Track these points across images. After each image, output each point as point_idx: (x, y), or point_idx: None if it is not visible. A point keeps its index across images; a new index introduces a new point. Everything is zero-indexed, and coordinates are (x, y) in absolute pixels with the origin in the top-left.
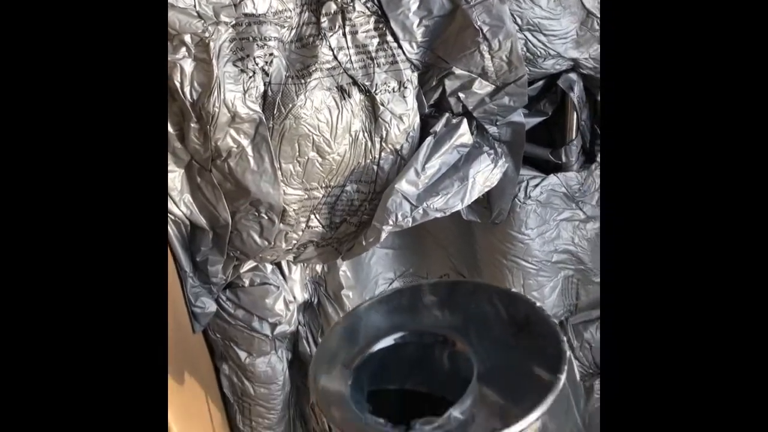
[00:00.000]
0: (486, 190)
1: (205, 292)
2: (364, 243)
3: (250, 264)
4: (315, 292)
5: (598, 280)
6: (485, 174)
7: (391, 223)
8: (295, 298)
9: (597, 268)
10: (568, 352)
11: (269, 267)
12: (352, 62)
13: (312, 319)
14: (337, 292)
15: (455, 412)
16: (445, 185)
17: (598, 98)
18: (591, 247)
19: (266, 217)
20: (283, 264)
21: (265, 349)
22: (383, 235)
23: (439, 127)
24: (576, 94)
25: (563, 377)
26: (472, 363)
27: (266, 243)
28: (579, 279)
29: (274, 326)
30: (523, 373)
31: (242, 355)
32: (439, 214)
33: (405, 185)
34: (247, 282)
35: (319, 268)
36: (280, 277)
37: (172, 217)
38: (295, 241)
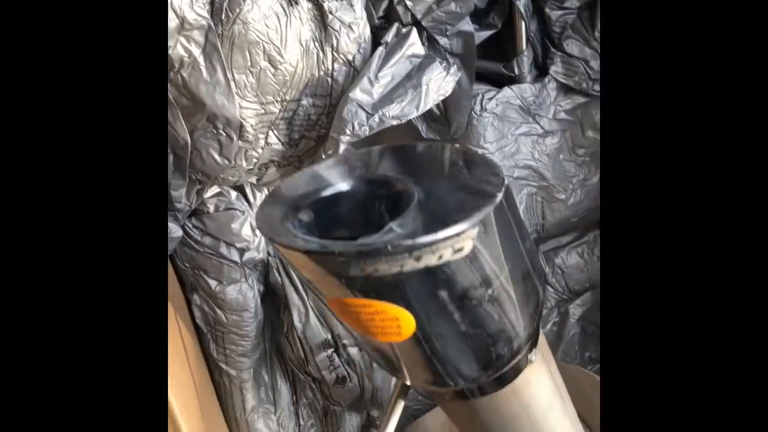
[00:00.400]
0: (440, 98)
1: (171, 218)
2: (323, 156)
3: (214, 190)
4: None
5: (562, 197)
6: (438, 82)
7: (348, 132)
8: None
9: (559, 184)
10: (507, 180)
11: (233, 193)
12: None
13: None
14: None
15: (395, 225)
16: (399, 93)
17: (546, 10)
18: (552, 162)
19: (224, 134)
20: (248, 190)
21: (235, 277)
22: (342, 146)
23: (389, 37)
24: (522, 2)
25: (501, 194)
26: (414, 194)
27: (226, 162)
28: (543, 197)
29: (242, 252)
30: (463, 196)
31: (212, 283)
32: (395, 122)
33: (359, 94)
34: (212, 208)
35: None
36: (245, 203)
37: None
38: (255, 160)
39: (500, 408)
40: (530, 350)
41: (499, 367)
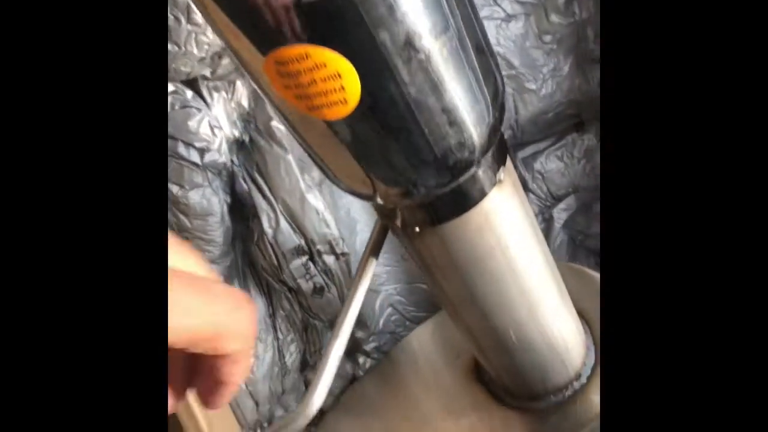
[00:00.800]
0: None
1: None
2: None
3: (168, 89)
4: (245, 129)
5: (533, 87)
6: None
7: None
8: (221, 126)
9: (529, 73)
10: None
11: (189, 92)
12: None
13: (246, 158)
14: (267, 125)
15: None
16: None
17: None
18: (518, 50)
19: (172, 16)
20: (204, 91)
21: (198, 181)
22: None
23: None
24: None
25: None
26: None
27: (176, 48)
28: (513, 88)
29: (202, 152)
30: None
31: (174, 188)
32: None
33: None
34: (167, 107)
35: (246, 102)
36: (202, 102)
37: None
38: (206, 46)
39: (473, 240)
40: (495, 164)
41: (458, 171)
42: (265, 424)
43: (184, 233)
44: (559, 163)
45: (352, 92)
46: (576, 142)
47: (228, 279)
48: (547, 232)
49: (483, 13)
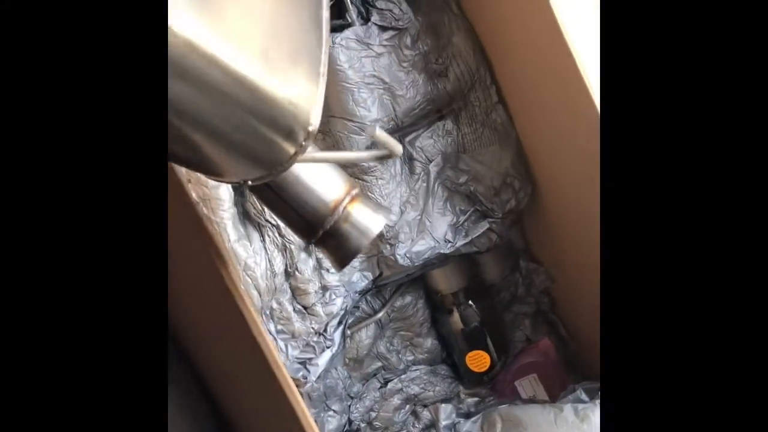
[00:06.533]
0: None
1: None
2: None
3: None
4: None
5: (401, 93)
6: None
7: None
8: None
9: (396, 85)
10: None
11: None
12: None
13: None
14: None
15: None
16: None
17: None
18: (387, 72)
19: None
20: None
21: None
22: None
23: None
24: None
25: None
26: None
27: None
28: (389, 97)
29: None
30: None
31: None
32: None
33: None
34: None
35: None
36: None
37: None
38: None
39: None
40: None
41: None
42: (267, 312)
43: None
44: (431, 140)
45: None
46: (440, 127)
47: (235, 221)
48: (428, 181)
49: (362, 54)
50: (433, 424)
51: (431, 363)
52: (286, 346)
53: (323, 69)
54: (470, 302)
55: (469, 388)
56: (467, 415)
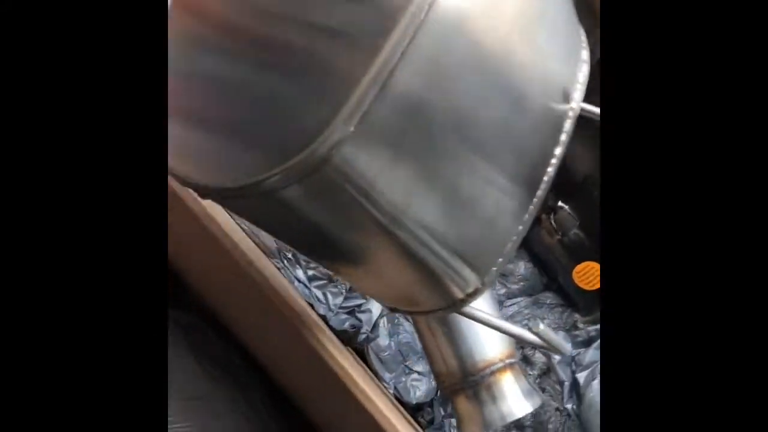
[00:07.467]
0: None
1: None
2: None
3: None
4: None
5: None
6: None
7: None
8: None
9: None
10: None
11: None
12: None
13: None
14: None
15: None
16: None
17: None
18: None
19: None
20: None
21: None
22: None
23: None
24: None
25: None
26: None
27: None
28: None
29: None
30: None
31: None
32: None
33: None
34: None
35: None
36: None
37: None
38: None
39: None
40: None
41: None
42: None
43: None
44: None
45: None
46: None
47: None
48: None
49: None
50: (549, 368)
51: (530, 292)
52: (325, 295)
53: None
54: (562, 204)
55: (588, 314)
56: (587, 342)
